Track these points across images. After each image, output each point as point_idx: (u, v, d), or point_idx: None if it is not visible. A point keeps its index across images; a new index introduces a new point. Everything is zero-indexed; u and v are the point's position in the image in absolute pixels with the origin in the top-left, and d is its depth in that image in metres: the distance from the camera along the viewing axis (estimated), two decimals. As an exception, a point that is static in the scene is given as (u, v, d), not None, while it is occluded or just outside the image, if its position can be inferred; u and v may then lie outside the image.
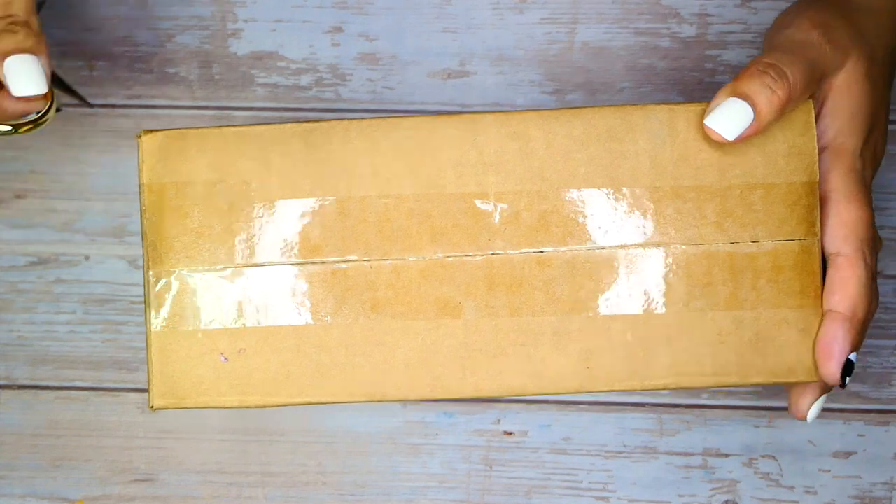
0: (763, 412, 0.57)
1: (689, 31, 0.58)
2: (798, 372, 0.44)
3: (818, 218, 0.44)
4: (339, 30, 0.58)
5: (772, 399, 0.57)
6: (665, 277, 0.44)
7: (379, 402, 0.44)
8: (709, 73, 0.57)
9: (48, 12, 0.59)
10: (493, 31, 0.58)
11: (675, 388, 0.44)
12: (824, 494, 0.57)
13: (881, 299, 0.57)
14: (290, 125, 0.44)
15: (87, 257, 0.58)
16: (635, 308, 0.44)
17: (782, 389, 0.57)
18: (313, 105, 0.58)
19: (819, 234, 0.44)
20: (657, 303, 0.44)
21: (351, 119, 0.45)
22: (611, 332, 0.44)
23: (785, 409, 0.57)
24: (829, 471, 0.57)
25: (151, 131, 0.44)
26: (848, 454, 0.57)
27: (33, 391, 0.58)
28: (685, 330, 0.44)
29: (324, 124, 0.44)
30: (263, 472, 0.58)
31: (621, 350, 0.44)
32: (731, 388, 0.57)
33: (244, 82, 0.58)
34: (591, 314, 0.44)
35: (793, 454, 0.57)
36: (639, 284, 0.44)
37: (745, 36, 0.57)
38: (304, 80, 0.58)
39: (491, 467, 0.58)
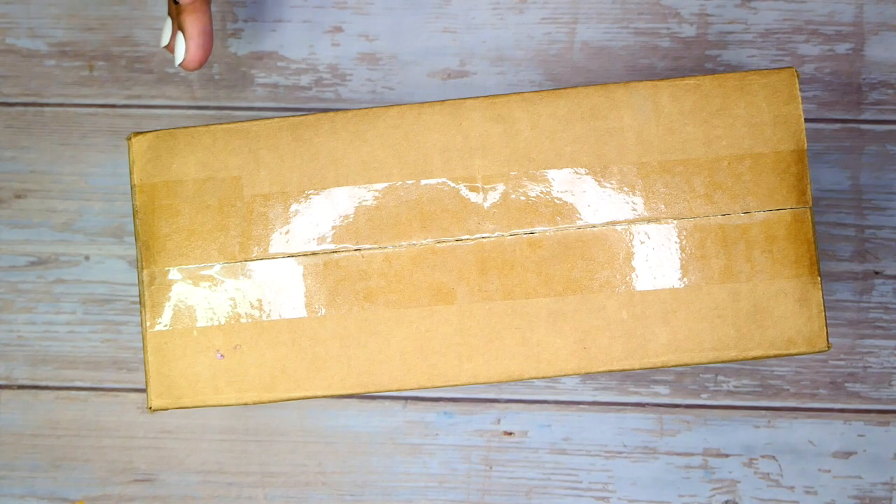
0: (763, 412, 0.57)
1: (689, 31, 0.58)
2: (798, 343, 0.44)
3: (809, 186, 0.44)
4: (339, 30, 0.58)
5: (772, 399, 0.57)
6: (657, 253, 0.44)
7: (375, 392, 0.44)
8: (709, 73, 0.57)
9: (48, 12, 0.59)
10: (493, 31, 0.58)
11: (674, 366, 0.44)
12: (824, 494, 0.57)
13: (881, 299, 0.57)
14: (277, 120, 0.44)
15: (87, 257, 0.58)
16: (629, 286, 0.44)
17: (782, 390, 0.57)
18: (313, 105, 0.58)
19: (811, 202, 0.44)
20: (651, 279, 0.44)
21: (337, 111, 0.45)
22: (606, 310, 0.44)
23: (785, 409, 0.57)
24: (829, 471, 0.57)
25: (140, 133, 0.45)
26: (848, 454, 0.57)
27: (33, 391, 0.58)
28: (681, 305, 0.44)
29: (310, 118, 0.45)
30: (263, 472, 0.58)
31: (618, 329, 0.44)
32: (733, 389, 0.57)
33: (244, 82, 0.58)
34: (585, 294, 0.44)
35: (793, 454, 0.57)
36: (632, 261, 0.44)
37: (745, 36, 0.57)
38: (304, 80, 0.58)
39: (491, 467, 0.57)
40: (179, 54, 0.48)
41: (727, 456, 0.57)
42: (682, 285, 0.43)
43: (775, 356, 0.44)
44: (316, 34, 0.58)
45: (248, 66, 0.58)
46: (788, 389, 0.57)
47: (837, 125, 0.57)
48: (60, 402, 0.58)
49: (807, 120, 0.57)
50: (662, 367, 0.44)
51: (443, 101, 0.44)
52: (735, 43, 0.57)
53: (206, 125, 0.45)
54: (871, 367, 0.57)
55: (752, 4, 0.57)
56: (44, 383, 0.58)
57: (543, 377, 0.44)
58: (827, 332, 0.43)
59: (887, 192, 0.57)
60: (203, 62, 0.49)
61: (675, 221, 0.44)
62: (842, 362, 0.57)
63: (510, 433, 0.57)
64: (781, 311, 0.43)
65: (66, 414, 0.58)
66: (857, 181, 0.57)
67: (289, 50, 0.58)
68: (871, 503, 0.57)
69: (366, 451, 0.57)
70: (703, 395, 0.57)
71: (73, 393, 0.58)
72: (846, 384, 0.57)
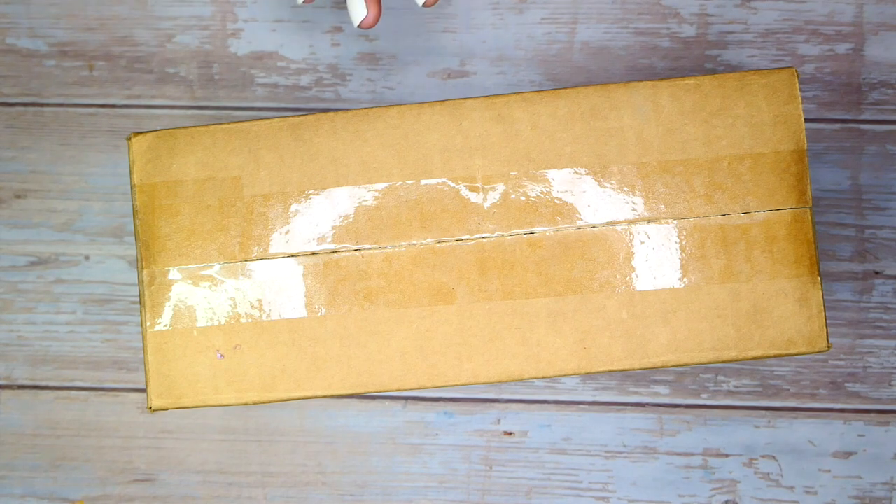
0: (763, 412, 0.57)
1: (689, 31, 0.58)
2: (798, 343, 0.44)
3: (809, 186, 0.44)
4: (339, 30, 0.58)
5: (772, 399, 0.57)
6: (658, 253, 0.44)
7: (375, 392, 0.44)
8: (709, 73, 0.57)
9: (48, 12, 0.59)
10: (493, 31, 0.58)
11: (674, 366, 0.44)
12: (824, 494, 0.57)
13: (881, 299, 0.57)
14: (277, 120, 0.44)
15: (87, 257, 0.58)
16: (629, 286, 0.44)
17: (782, 390, 0.57)
18: (313, 105, 0.58)
19: (811, 202, 0.44)
20: (651, 279, 0.44)
21: (337, 111, 0.45)
22: (606, 310, 0.44)
23: (785, 409, 0.57)
24: (829, 471, 0.57)
25: (141, 133, 0.45)
26: (848, 454, 0.57)
27: (33, 391, 0.58)
28: (681, 305, 0.44)
29: (310, 118, 0.45)
30: (263, 472, 0.58)
31: (618, 329, 0.44)
32: (733, 389, 0.57)
33: (244, 82, 0.58)
34: (585, 294, 0.44)
35: (793, 454, 0.57)
36: (632, 261, 0.44)
37: (745, 36, 0.57)
38: (304, 80, 0.58)
39: (491, 467, 0.57)
40: (360, 14, 0.49)
41: (727, 456, 0.57)
42: (682, 285, 0.44)
43: (775, 356, 0.44)
44: (316, 34, 0.58)
45: (248, 66, 0.58)
46: (788, 389, 0.57)
47: (837, 125, 0.57)
48: (60, 402, 0.58)
49: (807, 120, 0.57)
50: (662, 367, 0.44)
51: (443, 101, 0.44)
52: (735, 43, 0.57)
53: (206, 125, 0.45)
54: (871, 367, 0.57)
55: (752, 4, 0.57)
56: (44, 383, 0.58)
57: (543, 377, 0.44)
58: (827, 332, 0.44)
59: (887, 192, 0.57)
60: (378, 19, 0.49)
61: (675, 221, 0.44)
62: (842, 362, 0.57)
63: (510, 433, 0.57)
64: (781, 311, 0.44)
65: (66, 414, 0.58)
66: (857, 181, 0.57)
67: (289, 50, 0.58)
68: (871, 503, 0.57)
69: (366, 451, 0.57)
70: (703, 395, 0.57)
71: (73, 393, 0.58)
72: (846, 384, 0.57)
